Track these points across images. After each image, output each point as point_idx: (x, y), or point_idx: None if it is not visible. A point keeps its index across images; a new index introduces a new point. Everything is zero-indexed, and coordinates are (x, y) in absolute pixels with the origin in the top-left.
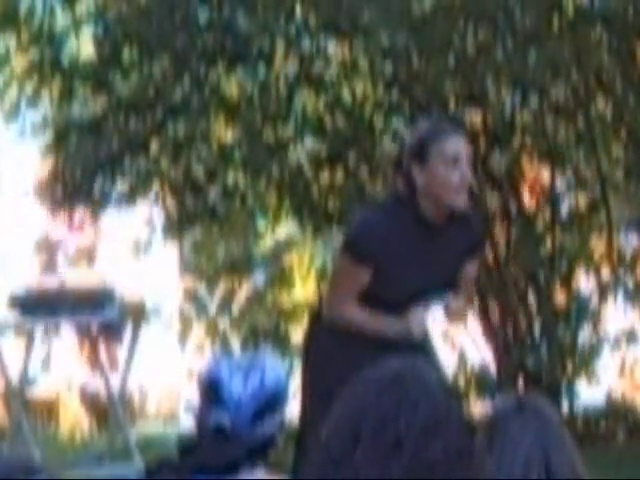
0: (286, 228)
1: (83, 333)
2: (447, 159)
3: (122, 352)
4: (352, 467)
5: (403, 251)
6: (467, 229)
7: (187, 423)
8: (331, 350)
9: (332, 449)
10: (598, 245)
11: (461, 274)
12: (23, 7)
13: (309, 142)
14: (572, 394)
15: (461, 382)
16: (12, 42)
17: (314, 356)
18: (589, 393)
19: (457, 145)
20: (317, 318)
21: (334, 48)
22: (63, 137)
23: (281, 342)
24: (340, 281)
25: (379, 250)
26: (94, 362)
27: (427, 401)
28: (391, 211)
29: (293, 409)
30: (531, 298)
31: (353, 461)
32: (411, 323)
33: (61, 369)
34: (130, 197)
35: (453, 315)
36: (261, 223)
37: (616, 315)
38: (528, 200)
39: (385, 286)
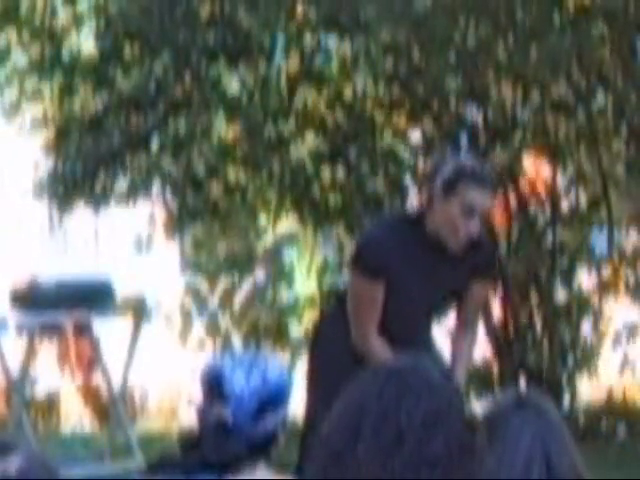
0: (287, 224)
1: (82, 330)
2: (465, 207)
3: (119, 348)
4: (353, 462)
5: (409, 268)
6: (474, 255)
7: (188, 419)
8: (338, 346)
9: (333, 444)
10: (599, 241)
11: (468, 293)
12: (24, 3)
13: (310, 138)
14: (573, 391)
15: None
16: (13, 38)
17: (320, 352)
18: (590, 390)
19: (481, 199)
20: (323, 315)
21: (335, 44)
22: (64, 133)
23: (282, 338)
24: (359, 306)
25: (387, 264)
26: (94, 358)
27: (428, 395)
28: (397, 227)
29: (295, 405)
30: (532, 294)
31: (354, 456)
32: None
33: (61, 365)
34: (131, 194)
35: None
36: (262, 219)
37: (617, 311)
38: (529, 196)
39: (393, 301)
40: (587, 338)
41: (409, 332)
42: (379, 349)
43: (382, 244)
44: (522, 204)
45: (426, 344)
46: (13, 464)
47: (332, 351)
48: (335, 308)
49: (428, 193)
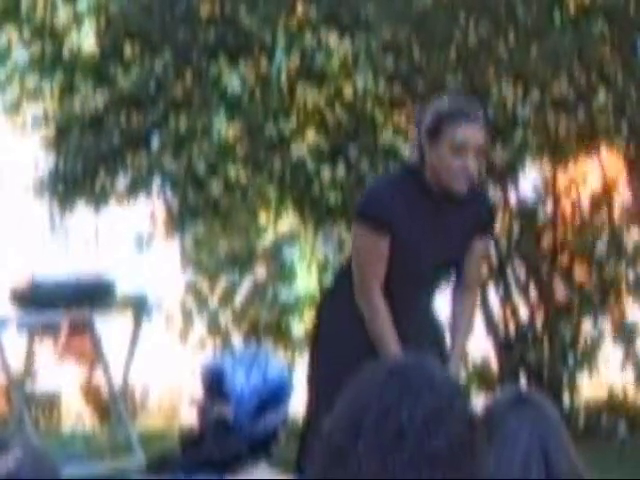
0: (287, 222)
1: (83, 327)
2: (455, 146)
3: (120, 346)
4: (354, 459)
5: (412, 218)
6: (475, 206)
7: (189, 417)
8: (341, 332)
9: (334, 441)
10: (600, 239)
11: (468, 251)
12: (25, 1)
13: (310, 136)
14: (573, 389)
15: (462, 377)
16: (14, 36)
17: (323, 339)
18: (591, 387)
19: (469, 133)
20: (326, 300)
21: (335, 42)
22: (64, 131)
23: (283, 337)
24: (364, 260)
25: (390, 217)
26: (95, 355)
27: (430, 393)
28: (399, 181)
29: (295, 403)
30: (532, 292)
31: (355, 453)
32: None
33: (62, 363)
34: (131, 192)
35: None
36: (262, 217)
37: (618, 309)
38: (530, 194)
39: (399, 254)
40: (587, 336)
41: (413, 294)
42: (380, 307)
43: (386, 197)
44: (522, 202)
45: (427, 313)
46: (13, 459)
47: (337, 336)
48: (337, 284)
49: (419, 146)
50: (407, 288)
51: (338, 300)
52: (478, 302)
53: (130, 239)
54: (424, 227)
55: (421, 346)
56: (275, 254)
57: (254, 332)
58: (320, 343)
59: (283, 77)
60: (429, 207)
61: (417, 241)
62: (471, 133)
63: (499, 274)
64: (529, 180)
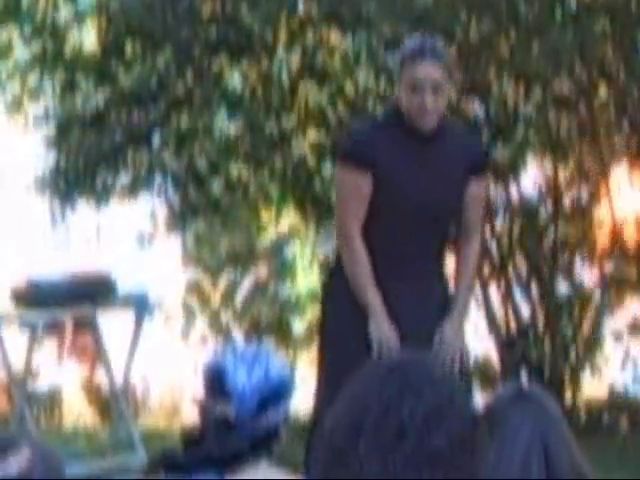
0: (289, 220)
1: (84, 325)
2: (411, 84)
3: (122, 343)
4: (355, 459)
5: (395, 156)
6: (464, 144)
7: (190, 414)
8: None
9: (335, 441)
10: (601, 237)
11: (465, 195)
12: None
13: (312, 134)
14: (575, 385)
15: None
16: (15, 34)
17: (327, 337)
18: (592, 385)
19: (423, 71)
20: (326, 295)
21: (337, 40)
22: (66, 129)
23: (284, 334)
24: (343, 199)
25: (373, 154)
26: (97, 353)
27: (430, 391)
28: (383, 123)
29: (297, 401)
30: (534, 290)
31: (356, 453)
32: (380, 318)
33: (64, 361)
34: (133, 189)
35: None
36: (264, 215)
37: (619, 307)
38: (531, 191)
39: (386, 197)
40: (589, 333)
41: (407, 245)
42: (359, 252)
43: (368, 136)
44: (524, 200)
45: (431, 275)
46: (24, 460)
47: (339, 332)
48: (334, 276)
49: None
50: (399, 236)
51: (337, 293)
52: (479, 300)
53: (131, 237)
54: (408, 165)
55: (418, 306)
56: (276, 252)
57: (255, 330)
58: (324, 341)
59: (284, 75)
60: (412, 146)
61: (402, 178)
62: (426, 71)
63: (500, 272)
64: (531, 178)
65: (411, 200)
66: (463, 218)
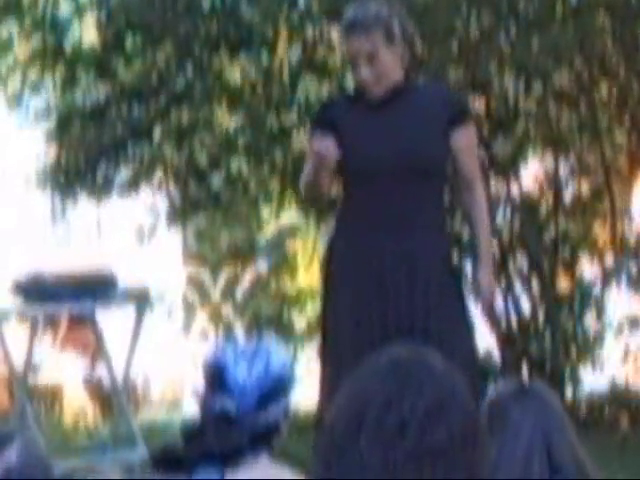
0: (289, 215)
1: (85, 320)
2: (348, 59)
3: (122, 338)
4: (356, 454)
5: (355, 122)
6: (436, 98)
7: (191, 409)
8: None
9: (336, 436)
10: (602, 232)
11: (450, 149)
12: None
13: None
14: (576, 380)
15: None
16: (15, 29)
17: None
18: (592, 379)
19: (354, 46)
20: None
21: (337, 35)
22: (66, 124)
23: (285, 328)
24: (307, 158)
25: (332, 119)
26: (97, 348)
27: (431, 385)
28: (350, 95)
29: (298, 396)
30: (534, 285)
31: (357, 448)
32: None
33: (65, 356)
34: (133, 184)
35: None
36: (264, 210)
37: (619, 301)
38: (531, 186)
39: (346, 151)
40: (590, 328)
41: (393, 196)
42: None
43: (331, 104)
44: (524, 194)
45: (425, 223)
46: (9, 459)
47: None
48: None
49: None
50: (380, 195)
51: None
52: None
53: (132, 231)
54: (366, 128)
55: (408, 263)
56: (277, 247)
57: (256, 324)
58: (325, 334)
59: (285, 70)
60: (369, 112)
61: (358, 140)
62: (355, 45)
63: (501, 266)
64: (531, 172)
65: (367, 158)
66: (459, 169)
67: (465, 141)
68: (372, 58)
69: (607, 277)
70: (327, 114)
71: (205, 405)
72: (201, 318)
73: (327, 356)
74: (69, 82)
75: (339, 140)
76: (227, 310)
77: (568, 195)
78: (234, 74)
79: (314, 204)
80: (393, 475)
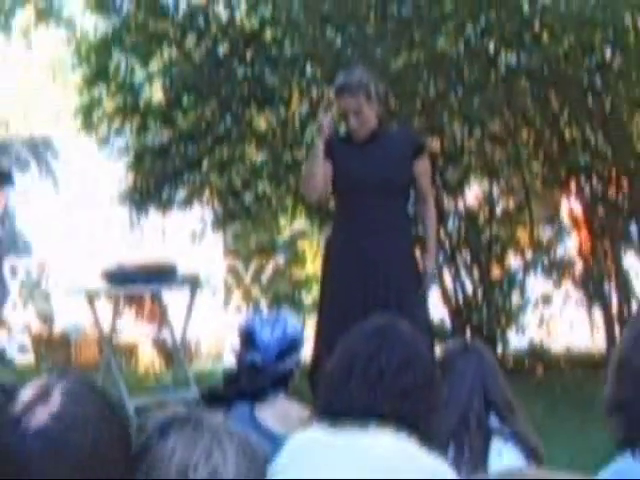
0: (299, 223)
1: (154, 298)
2: (340, 112)
3: (180, 311)
4: (347, 393)
5: (344, 154)
6: (402, 138)
7: (230, 361)
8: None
9: (334, 380)
10: (523, 235)
11: (413, 174)
12: (112, 65)
13: None
14: (504, 341)
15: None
16: (104, 90)
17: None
18: (516, 340)
19: (343, 104)
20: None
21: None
22: (140, 158)
23: (296, 304)
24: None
25: (331, 151)
26: (163, 318)
27: (401, 345)
28: (342, 135)
29: (305, 353)
30: (475, 272)
31: (348, 389)
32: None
33: (139, 323)
34: (188, 201)
35: (429, 280)
36: (282, 219)
37: (536, 284)
38: (473, 202)
39: (338, 175)
40: (514, 303)
41: (373, 208)
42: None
43: (331, 138)
44: (468, 208)
45: (395, 226)
46: (62, 389)
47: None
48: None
49: None
50: (362, 206)
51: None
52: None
53: (187, 234)
54: (351, 159)
55: (383, 255)
56: (291, 245)
57: (276, 301)
58: (321, 307)
59: (296, 119)
60: (355, 147)
61: (345, 167)
62: (345, 103)
63: (451, 259)
64: (473, 192)
65: (353, 180)
66: (417, 188)
67: (423, 168)
68: (358, 113)
69: (527, 267)
70: (328, 146)
71: (239, 358)
72: (236, 296)
73: (321, 322)
74: (142, 128)
75: (334, 166)
76: (255, 291)
77: (499, 209)
78: (260, 123)
79: (311, 200)
80: (374, 409)
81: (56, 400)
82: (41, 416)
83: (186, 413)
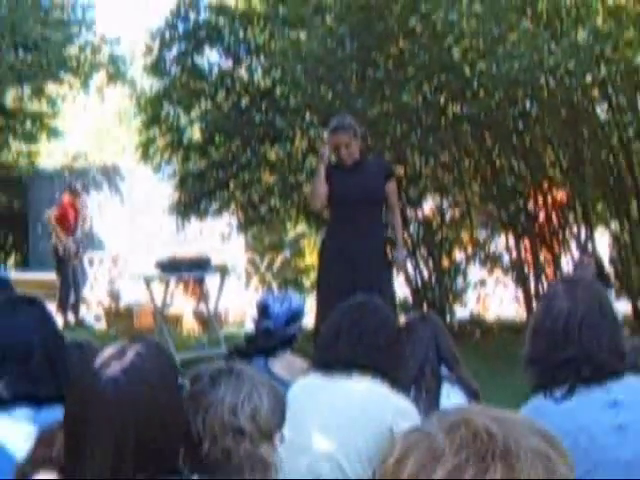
0: (301, 227)
1: (196, 281)
2: (333, 146)
3: (213, 291)
4: (336, 349)
5: (337, 177)
6: (378, 165)
7: (250, 327)
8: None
9: (326, 340)
10: (465, 236)
11: (385, 191)
12: (163, 113)
13: None
14: (452, 312)
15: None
16: (157, 131)
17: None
18: (461, 311)
19: (336, 139)
20: (323, 243)
21: (326, 134)
22: (184, 181)
23: (299, 286)
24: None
25: (328, 175)
26: (201, 295)
27: (375, 314)
28: (334, 163)
29: (305, 321)
30: (430, 263)
31: (336, 346)
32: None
33: (183, 300)
34: (219, 211)
35: (400, 266)
36: (288, 225)
37: (475, 272)
38: (429, 212)
39: (332, 192)
40: (459, 286)
41: (357, 215)
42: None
43: (329, 166)
44: (425, 216)
45: (373, 232)
46: (135, 348)
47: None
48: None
49: None
50: (349, 215)
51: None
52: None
53: (218, 236)
54: (341, 180)
55: (364, 253)
56: (295, 244)
57: (284, 284)
58: (318, 290)
59: (299, 153)
60: (344, 172)
61: (337, 186)
62: (339, 138)
63: (412, 254)
64: (429, 205)
65: (343, 196)
66: (388, 202)
67: (392, 188)
68: (348, 146)
69: (468, 259)
70: (327, 172)
71: (257, 325)
72: (254, 281)
73: (319, 300)
74: (185, 159)
75: (330, 185)
76: (268, 276)
77: (448, 217)
78: (272, 155)
79: (315, 209)
80: (356, 361)
81: (129, 358)
82: (115, 368)
83: (228, 366)
